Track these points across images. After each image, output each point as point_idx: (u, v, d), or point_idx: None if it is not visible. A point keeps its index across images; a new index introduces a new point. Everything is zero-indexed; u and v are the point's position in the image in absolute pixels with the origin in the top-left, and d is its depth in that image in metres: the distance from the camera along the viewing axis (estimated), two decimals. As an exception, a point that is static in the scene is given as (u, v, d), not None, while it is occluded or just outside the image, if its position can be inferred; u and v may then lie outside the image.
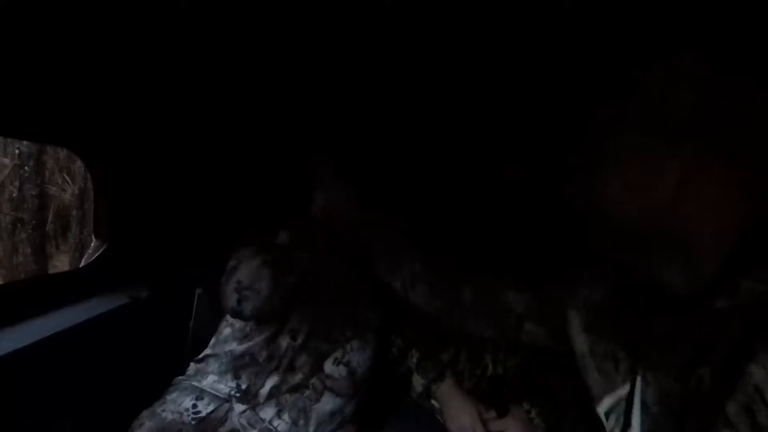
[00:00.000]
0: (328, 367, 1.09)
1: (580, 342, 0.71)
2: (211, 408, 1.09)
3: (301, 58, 1.11)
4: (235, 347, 1.13)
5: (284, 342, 1.10)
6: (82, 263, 1.54)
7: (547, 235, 1.22)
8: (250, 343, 1.11)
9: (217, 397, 1.10)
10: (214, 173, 1.64)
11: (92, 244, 1.58)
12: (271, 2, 0.82)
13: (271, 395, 1.09)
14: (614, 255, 0.69)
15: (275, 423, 1.01)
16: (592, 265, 0.80)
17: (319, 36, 1.00)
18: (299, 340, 1.10)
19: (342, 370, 1.08)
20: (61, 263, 8.23)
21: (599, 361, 0.66)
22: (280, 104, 1.43)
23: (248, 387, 1.09)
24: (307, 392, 1.06)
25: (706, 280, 0.57)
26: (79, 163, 6.37)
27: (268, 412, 1.06)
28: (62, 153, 7.50)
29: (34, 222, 6.53)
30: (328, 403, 1.03)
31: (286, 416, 1.02)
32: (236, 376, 1.11)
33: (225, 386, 1.10)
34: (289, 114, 1.47)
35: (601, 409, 0.65)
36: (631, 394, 0.61)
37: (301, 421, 1.00)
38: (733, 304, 0.54)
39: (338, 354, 1.09)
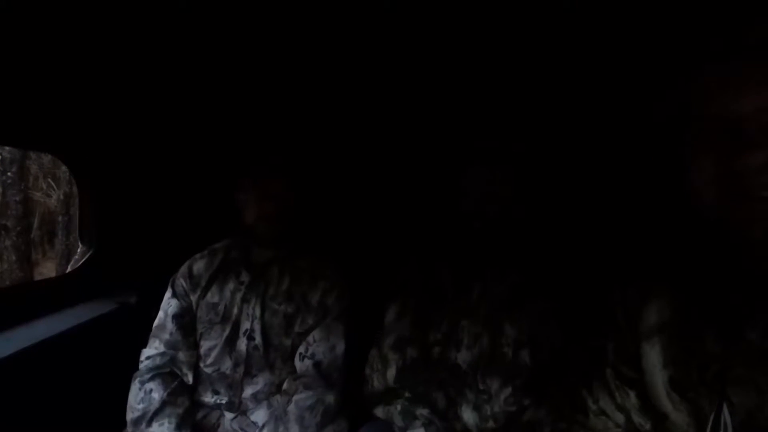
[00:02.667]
0: (297, 363, 1.08)
1: (659, 378, 0.62)
2: (201, 414, 1.09)
3: (296, 66, 1.11)
4: (202, 367, 1.12)
5: (243, 345, 1.09)
6: (69, 269, 1.53)
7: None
8: (210, 360, 1.10)
9: (205, 405, 1.11)
10: (201, 175, 1.64)
11: (79, 250, 1.56)
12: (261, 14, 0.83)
13: (257, 399, 1.08)
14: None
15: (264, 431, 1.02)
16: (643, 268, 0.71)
17: (323, 47, 1.00)
18: (257, 339, 1.09)
19: (308, 364, 1.06)
20: (47, 270, 8.11)
21: (681, 393, 0.60)
22: (268, 112, 1.44)
23: (230, 398, 1.09)
24: (284, 395, 1.05)
25: None
26: (64, 168, 6.28)
27: (259, 415, 1.06)
28: (46, 158, 7.39)
29: (18, 228, 6.42)
30: (303, 400, 1.01)
31: (270, 425, 1.02)
32: (215, 392, 1.10)
33: (210, 399, 1.10)
34: (280, 122, 1.47)
35: None
36: (717, 418, 0.55)
37: (281, 429, 0.99)
38: None
39: (302, 349, 1.08)
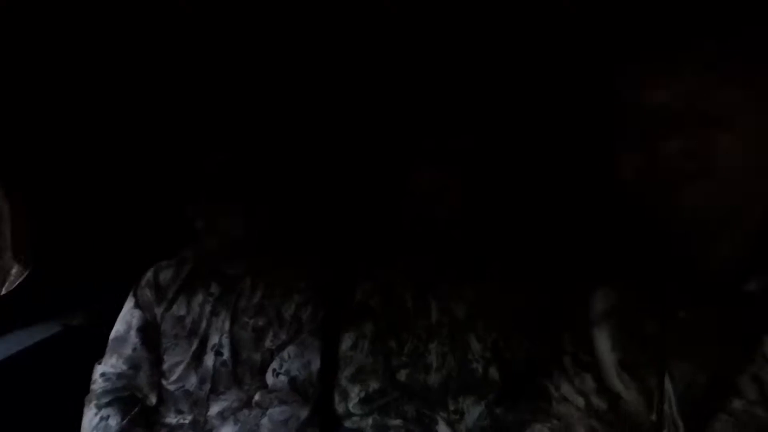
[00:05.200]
0: (270, 379, 1.05)
1: (610, 361, 0.68)
2: None
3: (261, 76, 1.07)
4: (164, 385, 1.06)
5: (210, 361, 1.05)
6: (3, 291, 1.42)
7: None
8: (173, 377, 1.05)
9: (168, 425, 1.05)
10: (147, 183, 1.55)
11: (13, 270, 1.45)
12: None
13: (224, 417, 1.04)
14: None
15: None
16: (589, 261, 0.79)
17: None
18: (226, 355, 1.05)
19: (282, 380, 1.03)
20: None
21: (631, 373, 0.65)
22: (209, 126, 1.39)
23: (195, 417, 1.04)
24: (255, 410, 1.01)
25: (740, 261, 0.58)
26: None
27: (227, 431, 1.02)
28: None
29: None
30: (278, 414, 0.99)
31: None
32: (179, 411, 1.05)
33: (173, 420, 1.05)
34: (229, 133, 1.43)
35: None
36: (660, 393, 0.60)
37: None
38: (764, 287, 0.55)
39: (276, 365, 1.05)
